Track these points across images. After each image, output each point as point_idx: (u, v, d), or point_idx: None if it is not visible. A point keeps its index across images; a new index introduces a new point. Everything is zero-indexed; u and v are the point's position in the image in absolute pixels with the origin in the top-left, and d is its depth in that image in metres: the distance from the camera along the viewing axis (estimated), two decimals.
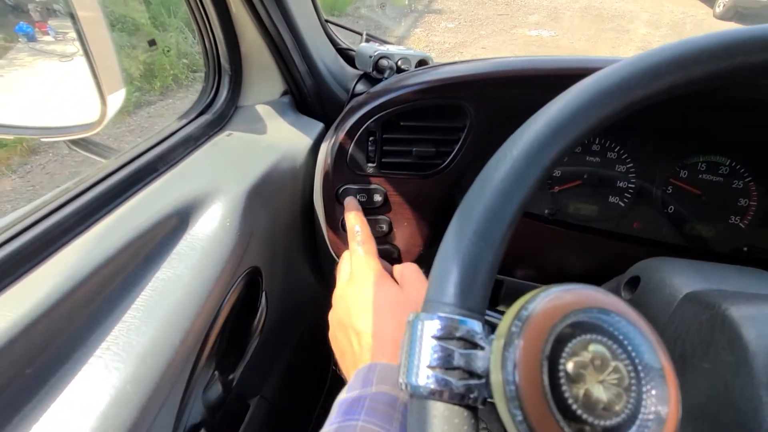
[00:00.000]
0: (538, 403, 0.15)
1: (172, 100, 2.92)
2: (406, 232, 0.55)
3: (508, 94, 0.49)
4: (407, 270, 0.42)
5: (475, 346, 0.20)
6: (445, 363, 0.19)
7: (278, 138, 0.54)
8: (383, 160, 0.52)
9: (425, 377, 0.19)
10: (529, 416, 0.15)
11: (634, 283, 0.38)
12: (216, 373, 0.44)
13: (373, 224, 0.55)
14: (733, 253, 0.51)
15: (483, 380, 0.19)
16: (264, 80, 0.58)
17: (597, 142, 0.53)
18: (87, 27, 0.43)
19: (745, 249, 0.51)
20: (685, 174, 0.52)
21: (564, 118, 0.25)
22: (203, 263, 0.39)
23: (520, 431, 0.15)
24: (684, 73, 0.27)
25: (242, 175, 0.47)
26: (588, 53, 4.20)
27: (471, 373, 0.19)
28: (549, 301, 0.17)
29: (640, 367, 0.16)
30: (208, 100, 0.54)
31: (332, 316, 0.42)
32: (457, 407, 0.19)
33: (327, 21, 0.67)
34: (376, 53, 0.61)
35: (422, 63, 0.62)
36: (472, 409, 0.19)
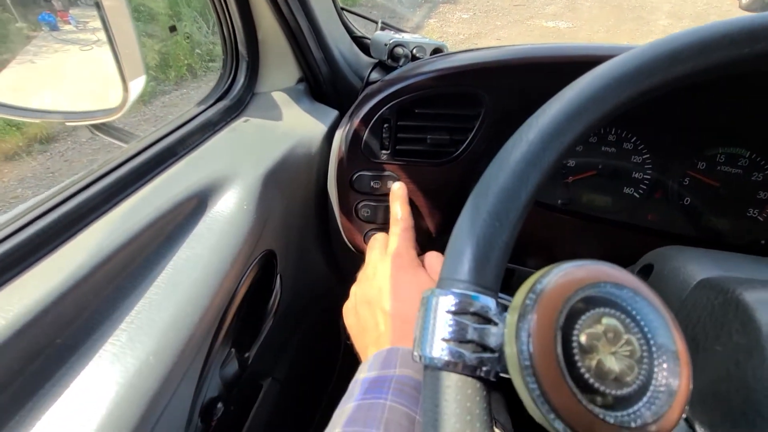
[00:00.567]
0: (552, 372, 0.16)
1: (186, 90, 2.94)
2: (419, 220, 0.56)
3: (524, 82, 0.49)
4: (434, 260, 0.43)
5: (488, 321, 0.20)
6: (459, 336, 0.20)
7: (294, 125, 0.55)
8: (397, 147, 0.52)
9: (440, 349, 0.20)
10: (544, 385, 0.16)
11: (646, 271, 0.38)
12: (233, 350, 0.45)
13: (386, 211, 0.55)
14: (750, 246, 0.51)
15: (496, 354, 0.20)
16: (280, 67, 0.59)
17: (613, 132, 0.53)
18: (111, 15, 0.44)
19: (763, 242, 0.50)
20: (703, 166, 0.51)
21: (581, 103, 0.25)
22: (221, 244, 0.40)
23: (535, 400, 0.16)
24: (704, 59, 0.26)
25: (259, 160, 0.48)
26: None
27: (484, 347, 0.20)
28: (563, 275, 0.17)
29: (652, 341, 0.16)
30: (226, 86, 0.55)
31: (357, 291, 0.43)
32: (470, 378, 0.19)
33: (343, 9, 0.67)
34: (391, 41, 0.61)
35: (437, 51, 0.62)
36: (485, 381, 0.20)
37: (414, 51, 0.61)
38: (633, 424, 0.15)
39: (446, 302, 0.21)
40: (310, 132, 0.55)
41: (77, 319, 0.32)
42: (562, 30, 4.41)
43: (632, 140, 0.52)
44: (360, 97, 0.54)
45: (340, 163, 0.54)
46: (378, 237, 0.48)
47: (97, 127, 0.59)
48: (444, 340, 0.20)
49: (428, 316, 0.21)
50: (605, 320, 0.17)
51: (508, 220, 0.22)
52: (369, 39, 0.67)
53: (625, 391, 0.16)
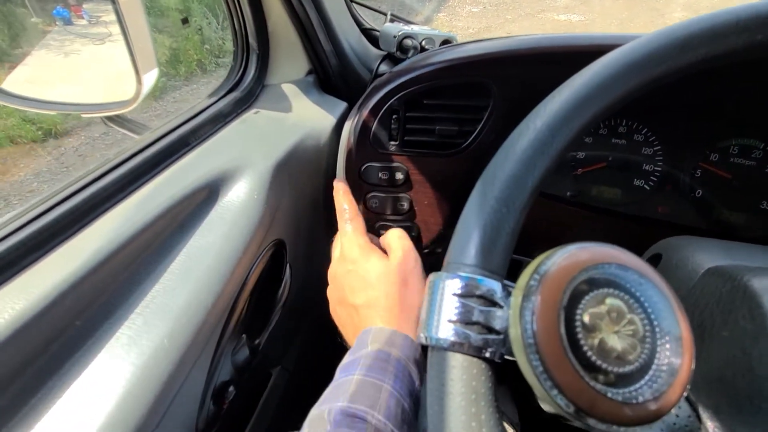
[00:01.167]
0: (555, 350, 0.16)
1: (196, 85, 2.97)
2: (426, 211, 0.56)
3: (533, 73, 0.48)
4: (392, 239, 0.43)
5: (494, 304, 0.21)
6: (465, 318, 0.20)
7: (303, 116, 0.56)
8: (406, 138, 0.53)
9: (446, 330, 0.21)
10: (547, 362, 0.16)
11: (654, 260, 0.38)
12: (244, 337, 0.46)
13: (394, 202, 0.56)
14: (763, 239, 0.50)
15: (501, 336, 0.20)
16: (290, 59, 0.59)
17: (624, 124, 0.52)
18: (125, 9, 0.45)
19: None
20: (715, 158, 0.50)
21: (589, 90, 0.25)
22: (232, 233, 0.41)
23: (539, 377, 0.16)
24: (716, 46, 0.26)
25: (269, 151, 0.48)
26: None
27: (489, 329, 0.20)
28: (567, 257, 0.18)
29: (655, 321, 0.17)
30: (237, 78, 0.56)
31: (330, 293, 0.45)
32: (475, 359, 0.20)
33: (352, 1, 0.67)
34: (400, 33, 0.61)
35: (446, 43, 0.62)
36: (490, 363, 0.20)
37: (423, 43, 0.61)
38: (634, 401, 0.15)
39: (453, 285, 0.21)
40: (320, 124, 0.56)
41: (95, 302, 0.33)
42: (574, 23, 4.34)
43: (643, 132, 0.52)
44: (369, 89, 0.54)
45: (349, 154, 0.54)
46: (337, 236, 0.49)
47: (110, 119, 0.60)
48: (450, 321, 0.21)
49: (435, 299, 0.22)
50: (609, 300, 0.17)
51: (514, 207, 0.23)
52: (378, 31, 0.67)
53: (627, 368, 0.16)
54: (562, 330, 0.16)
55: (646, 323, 0.17)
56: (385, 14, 0.71)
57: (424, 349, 0.27)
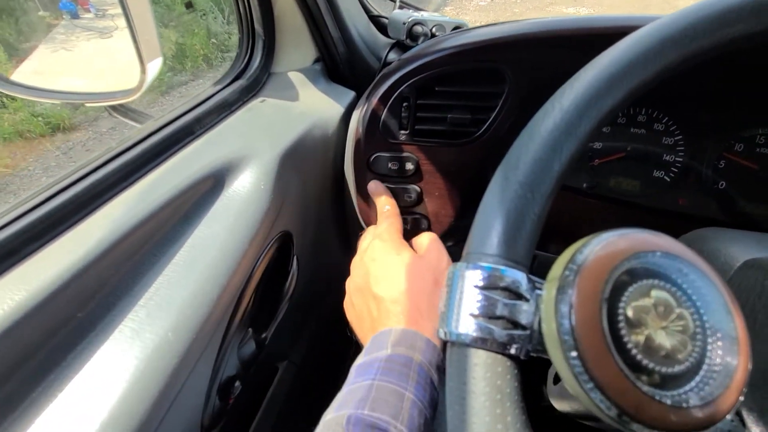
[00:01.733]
0: (596, 347, 0.14)
1: (202, 80, 2.97)
2: (437, 202, 0.54)
3: (550, 57, 0.46)
4: (425, 239, 0.42)
5: (519, 297, 0.19)
6: (489, 312, 0.19)
7: (310, 105, 0.54)
8: (416, 127, 0.51)
9: (467, 325, 0.19)
10: (588, 360, 0.14)
11: None
12: (250, 330, 0.45)
13: (403, 193, 0.54)
14: None
15: (527, 332, 0.19)
16: (297, 47, 0.58)
17: (643, 113, 0.50)
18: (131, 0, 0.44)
19: None
20: (741, 147, 0.48)
21: (621, 67, 0.23)
22: (238, 224, 0.40)
23: (577, 377, 0.15)
24: (756, 22, 0.24)
25: (275, 140, 0.47)
26: None
27: (515, 324, 0.19)
28: (605, 245, 0.16)
29: (705, 317, 0.15)
30: (242, 65, 0.54)
31: (350, 283, 0.43)
32: (500, 356, 0.18)
33: None
34: (410, 20, 0.59)
35: (457, 29, 0.60)
36: (515, 360, 0.19)
37: (433, 29, 0.59)
38: (685, 405, 0.14)
39: (474, 277, 0.20)
40: (327, 113, 0.54)
41: (97, 294, 0.32)
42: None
43: (664, 121, 0.50)
44: (378, 77, 0.53)
45: (357, 144, 0.52)
46: (369, 229, 0.49)
47: (115, 108, 0.59)
48: (472, 315, 0.19)
49: (454, 291, 0.20)
50: (654, 293, 0.15)
51: (540, 192, 0.21)
52: (387, 18, 0.65)
53: (676, 369, 0.14)
54: (605, 325, 0.15)
55: (696, 318, 0.15)
56: (394, 1, 0.69)
57: (444, 346, 0.25)
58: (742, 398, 0.14)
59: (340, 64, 0.59)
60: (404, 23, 0.60)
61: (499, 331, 0.18)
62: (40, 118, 2.32)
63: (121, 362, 0.30)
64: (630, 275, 0.16)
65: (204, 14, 2.99)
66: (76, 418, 0.27)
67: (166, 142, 0.43)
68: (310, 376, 0.67)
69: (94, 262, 0.32)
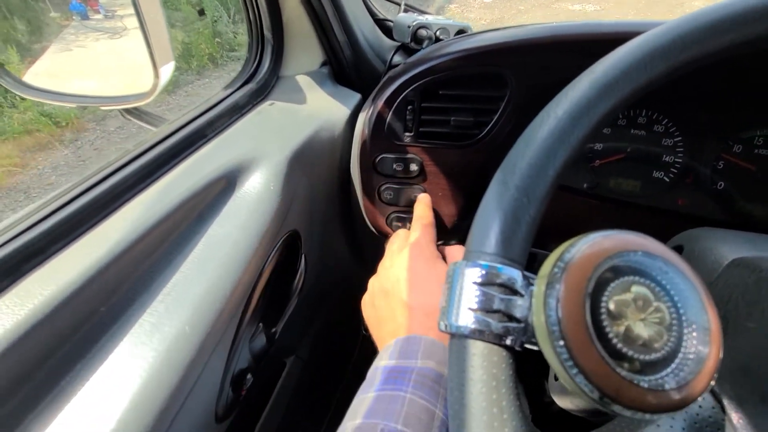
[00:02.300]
0: (580, 337, 0.16)
1: (208, 79, 2.99)
2: (440, 202, 0.56)
3: (551, 62, 0.48)
4: (456, 251, 0.43)
5: (514, 293, 0.21)
6: (486, 306, 0.20)
7: (317, 108, 0.56)
8: (421, 129, 0.52)
9: (466, 318, 0.21)
10: (572, 349, 0.16)
11: (676, 252, 0.37)
12: (261, 325, 0.47)
13: (408, 194, 0.56)
14: None
15: (522, 325, 0.20)
16: (304, 51, 0.59)
17: (643, 114, 0.51)
18: (143, 2, 0.46)
19: None
20: (739, 149, 0.49)
21: (611, 77, 0.25)
22: (249, 223, 0.42)
23: (563, 363, 0.16)
24: (746, 30, 0.25)
25: (284, 142, 0.49)
26: None
27: (510, 317, 0.20)
28: (591, 245, 0.18)
29: (682, 309, 0.16)
30: (252, 69, 0.56)
31: (375, 283, 0.43)
32: (496, 346, 0.20)
33: None
34: (414, 23, 0.60)
35: (461, 33, 0.61)
36: (510, 350, 0.20)
37: (438, 33, 0.60)
38: (660, 389, 0.15)
39: (473, 274, 0.21)
40: (334, 115, 0.56)
41: (119, 290, 0.34)
42: (589, 13, 4.24)
43: (663, 122, 0.51)
44: (383, 80, 0.54)
45: (363, 145, 0.54)
46: (399, 232, 0.49)
47: (128, 111, 0.61)
48: (471, 309, 0.21)
49: (455, 287, 0.22)
50: (634, 288, 0.17)
51: (535, 196, 0.22)
52: (392, 21, 0.67)
53: (653, 356, 0.16)
54: (588, 317, 0.16)
55: (672, 311, 0.16)
56: (399, 4, 0.70)
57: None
58: (713, 383, 0.16)
59: (347, 68, 0.60)
60: (409, 26, 0.61)
61: (496, 324, 0.20)
62: (48, 118, 2.36)
63: (142, 354, 0.31)
64: (613, 272, 0.17)
65: (215, 20, 3.01)
66: (102, 406, 0.29)
67: (180, 145, 0.45)
68: (316, 370, 0.69)
69: (115, 260, 0.33)
